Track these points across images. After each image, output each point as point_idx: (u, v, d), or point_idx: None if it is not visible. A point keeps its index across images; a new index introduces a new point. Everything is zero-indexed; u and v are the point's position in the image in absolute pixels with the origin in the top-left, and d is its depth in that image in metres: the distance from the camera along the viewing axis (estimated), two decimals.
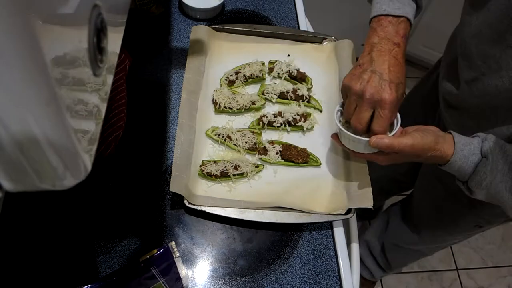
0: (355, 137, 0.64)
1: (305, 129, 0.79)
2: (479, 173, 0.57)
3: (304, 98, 0.81)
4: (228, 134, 0.75)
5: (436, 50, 1.92)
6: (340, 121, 0.68)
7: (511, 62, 0.58)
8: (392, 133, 0.63)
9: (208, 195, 0.70)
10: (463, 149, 0.59)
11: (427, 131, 0.60)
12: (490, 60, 0.61)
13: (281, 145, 0.75)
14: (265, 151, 0.75)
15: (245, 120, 0.80)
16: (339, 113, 0.69)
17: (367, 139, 0.62)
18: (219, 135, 0.75)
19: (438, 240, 1.05)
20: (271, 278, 0.66)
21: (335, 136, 0.70)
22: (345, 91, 0.65)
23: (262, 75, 0.84)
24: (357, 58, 0.85)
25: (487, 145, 0.58)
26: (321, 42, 0.92)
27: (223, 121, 0.79)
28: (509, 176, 0.56)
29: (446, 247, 1.16)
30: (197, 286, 0.64)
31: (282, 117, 0.78)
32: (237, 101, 0.79)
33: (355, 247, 0.73)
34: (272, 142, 0.76)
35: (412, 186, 1.12)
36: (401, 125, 0.64)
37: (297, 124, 0.78)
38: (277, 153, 0.74)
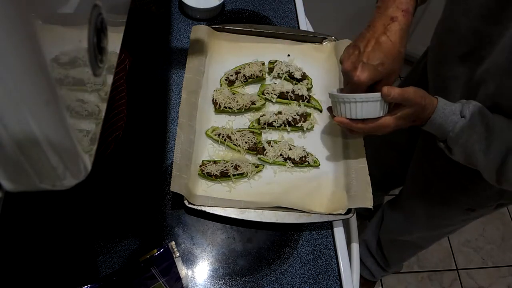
0: (368, 95, 0.62)
1: (305, 129, 0.79)
2: (456, 130, 0.61)
3: (304, 98, 0.81)
4: (228, 134, 0.75)
5: None
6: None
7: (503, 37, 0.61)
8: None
9: (208, 195, 0.70)
10: (444, 108, 0.62)
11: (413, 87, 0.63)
12: (481, 35, 0.64)
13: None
14: (263, 150, 0.75)
15: (245, 120, 0.80)
16: (334, 90, 0.70)
17: (378, 93, 0.61)
18: (219, 135, 0.75)
19: (431, 226, 1.05)
20: (271, 278, 0.66)
21: (340, 117, 0.66)
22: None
23: (262, 75, 0.84)
24: None
25: (467, 106, 0.61)
26: (321, 42, 0.92)
27: (223, 121, 0.79)
28: (483, 137, 0.60)
29: (441, 238, 1.16)
30: (197, 286, 0.64)
31: (282, 117, 0.78)
32: (237, 101, 0.79)
33: (355, 247, 0.73)
34: (269, 142, 0.76)
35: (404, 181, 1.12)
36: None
37: (297, 124, 0.78)
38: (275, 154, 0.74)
